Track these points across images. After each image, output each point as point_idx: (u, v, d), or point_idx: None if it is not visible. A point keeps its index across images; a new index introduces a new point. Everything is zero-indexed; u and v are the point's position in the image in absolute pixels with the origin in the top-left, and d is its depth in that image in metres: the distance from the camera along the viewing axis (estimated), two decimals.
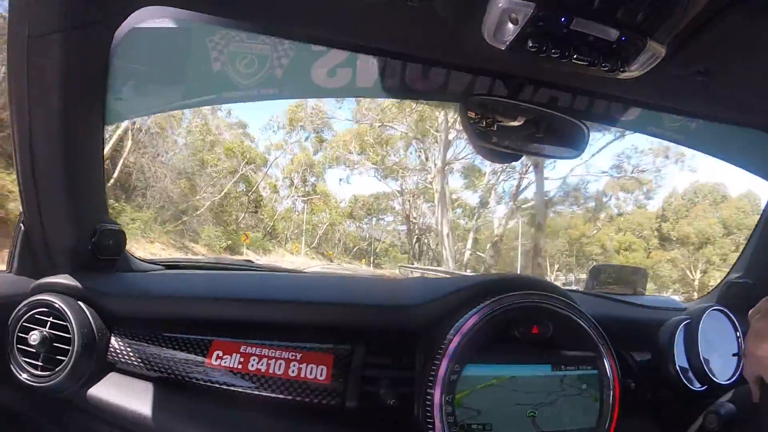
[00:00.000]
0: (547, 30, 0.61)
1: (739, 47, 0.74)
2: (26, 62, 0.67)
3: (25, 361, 0.72)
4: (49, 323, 0.72)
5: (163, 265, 1.00)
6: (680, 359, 0.85)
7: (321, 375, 0.72)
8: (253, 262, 1.08)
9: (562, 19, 0.59)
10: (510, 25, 0.61)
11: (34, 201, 0.77)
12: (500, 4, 0.59)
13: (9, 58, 0.69)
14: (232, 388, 0.72)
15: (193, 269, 1.02)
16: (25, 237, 0.82)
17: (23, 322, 0.73)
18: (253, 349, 0.74)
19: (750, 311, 0.64)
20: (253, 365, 0.72)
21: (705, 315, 0.86)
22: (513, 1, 0.59)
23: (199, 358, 0.74)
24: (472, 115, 0.83)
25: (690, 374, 0.85)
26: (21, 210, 0.82)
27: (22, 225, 0.82)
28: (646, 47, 0.63)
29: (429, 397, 0.65)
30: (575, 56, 0.63)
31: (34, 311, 0.73)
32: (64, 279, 0.78)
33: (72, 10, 0.66)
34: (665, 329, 0.88)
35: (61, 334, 0.72)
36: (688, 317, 0.88)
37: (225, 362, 0.73)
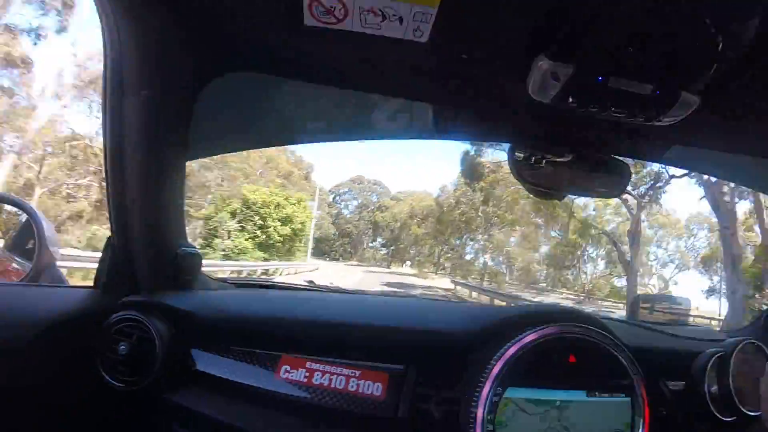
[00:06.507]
0: (586, 87, 0.67)
1: None
2: (120, 112, 0.79)
3: (114, 368, 0.81)
4: (135, 336, 0.81)
5: (233, 284, 1.10)
6: (712, 390, 0.87)
7: (377, 391, 0.79)
8: (314, 282, 1.16)
9: (599, 78, 0.65)
10: (553, 82, 0.67)
11: (123, 227, 0.88)
12: (543, 66, 0.66)
13: (104, 105, 0.80)
14: (298, 399, 0.80)
15: (261, 288, 1.11)
16: (113, 259, 0.91)
17: (113, 333, 0.82)
18: (318, 365, 0.81)
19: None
20: (317, 379, 0.80)
21: (738, 348, 0.88)
22: (554, 63, 0.65)
23: (269, 371, 0.82)
24: (519, 155, 0.89)
25: (720, 404, 0.86)
26: (110, 234, 0.91)
27: (111, 248, 0.91)
28: (680, 98, 0.68)
29: (472, 416, 0.71)
30: (613, 109, 0.69)
31: (122, 325, 0.82)
32: (148, 297, 0.87)
33: (161, 74, 0.77)
34: (699, 360, 0.90)
35: (145, 346, 0.81)
36: (723, 349, 0.90)
37: (292, 376, 0.81)
